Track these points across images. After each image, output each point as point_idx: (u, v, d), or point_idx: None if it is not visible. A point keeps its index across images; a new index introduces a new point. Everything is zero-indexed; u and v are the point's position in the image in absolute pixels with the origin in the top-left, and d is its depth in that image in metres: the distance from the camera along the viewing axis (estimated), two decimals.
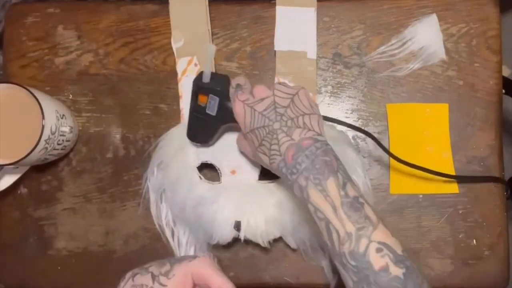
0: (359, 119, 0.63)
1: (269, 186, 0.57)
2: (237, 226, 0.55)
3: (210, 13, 0.64)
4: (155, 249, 0.62)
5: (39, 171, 0.64)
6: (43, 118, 0.54)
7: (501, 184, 0.61)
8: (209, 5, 0.63)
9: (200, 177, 0.57)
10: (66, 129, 0.59)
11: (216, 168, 0.57)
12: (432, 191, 0.61)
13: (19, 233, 0.64)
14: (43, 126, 0.54)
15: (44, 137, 0.54)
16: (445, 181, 0.61)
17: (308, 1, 0.62)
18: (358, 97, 0.63)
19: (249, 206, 0.55)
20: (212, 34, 0.64)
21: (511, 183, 0.85)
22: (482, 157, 0.62)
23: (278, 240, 0.60)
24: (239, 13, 0.64)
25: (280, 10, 0.62)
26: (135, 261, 0.62)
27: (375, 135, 0.62)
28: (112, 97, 0.64)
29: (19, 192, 0.64)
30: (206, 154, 0.57)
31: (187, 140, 0.58)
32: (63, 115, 0.59)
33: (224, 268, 0.61)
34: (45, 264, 0.63)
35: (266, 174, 0.57)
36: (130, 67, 0.65)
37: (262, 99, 0.49)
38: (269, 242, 0.58)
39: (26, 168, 0.62)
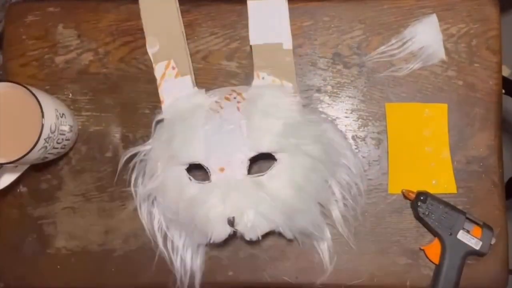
0: (358, 119, 0.63)
1: (259, 179, 0.56)
2: (231, 222, 0.55)
3: (209, 13, 0.64)
4: (154, 248, 0.62)
5: (39, 170, 0.64)
6: (43, 117, 0.54)
7: (500, 185, 0.61)
8: (209, 5, 0.64)
9: (190, 178, 0.57)
10: (65, 128, 0.59)
11: (205, 167, 0.57)
12: (431, 191, 0.61)
13: (19, 232, 0.64)
14: (42, 125, 0.54)
15: (44, 136, 0.54)
16: (443, 181, 0.61)
17: None
18: (357, 97, 0.63)
19: (240, 201, 0.55)
20: (212, 34, 0.64)
21: (511, 183, 0.85)
22: (481, 157, 0.62)
23: (277, 240, 0.60)
24: (239, 13, 0.64)
25: (252, 5, 0.62)
26: (134, 260, 0.62)
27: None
28: (112, 96, 0.64)
29: (18, 191, 0.64)
30: (193, 154, 0.57)
31: (172, 144, 0.58)
32: (63, 114, 0.59)
33: (223, 267, 0.61)
34: (45, 263, 0.63)
35: (255, 168, 0.58)
36: (130, 66, 0.65)
37: None
38: (261, 237, 0.57)
39: (26, 167, 0.62)
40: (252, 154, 0.56)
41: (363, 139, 0.63)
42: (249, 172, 0.57)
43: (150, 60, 0.63)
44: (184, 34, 0.63)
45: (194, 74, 0.62)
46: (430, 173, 0.61)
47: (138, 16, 0.64)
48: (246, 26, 0.64)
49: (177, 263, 0.60)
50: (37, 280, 0.63)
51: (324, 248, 0.60)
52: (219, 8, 0.65)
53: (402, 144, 0.62)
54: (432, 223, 0.59)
